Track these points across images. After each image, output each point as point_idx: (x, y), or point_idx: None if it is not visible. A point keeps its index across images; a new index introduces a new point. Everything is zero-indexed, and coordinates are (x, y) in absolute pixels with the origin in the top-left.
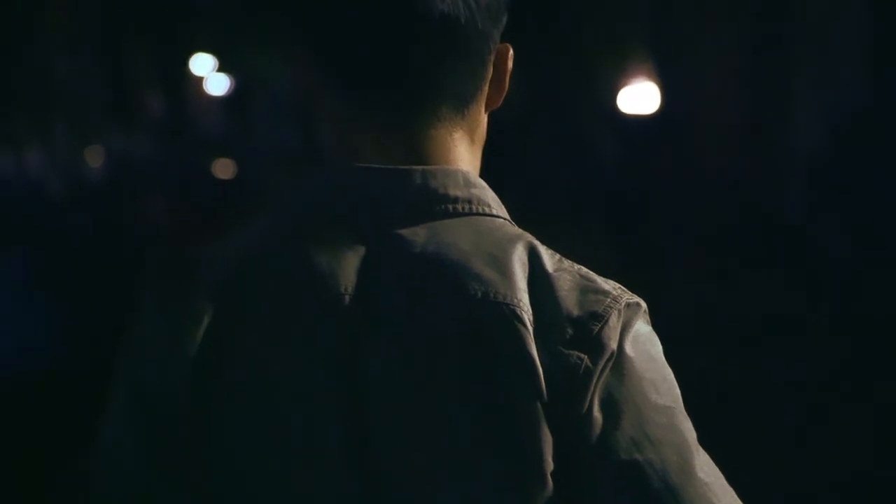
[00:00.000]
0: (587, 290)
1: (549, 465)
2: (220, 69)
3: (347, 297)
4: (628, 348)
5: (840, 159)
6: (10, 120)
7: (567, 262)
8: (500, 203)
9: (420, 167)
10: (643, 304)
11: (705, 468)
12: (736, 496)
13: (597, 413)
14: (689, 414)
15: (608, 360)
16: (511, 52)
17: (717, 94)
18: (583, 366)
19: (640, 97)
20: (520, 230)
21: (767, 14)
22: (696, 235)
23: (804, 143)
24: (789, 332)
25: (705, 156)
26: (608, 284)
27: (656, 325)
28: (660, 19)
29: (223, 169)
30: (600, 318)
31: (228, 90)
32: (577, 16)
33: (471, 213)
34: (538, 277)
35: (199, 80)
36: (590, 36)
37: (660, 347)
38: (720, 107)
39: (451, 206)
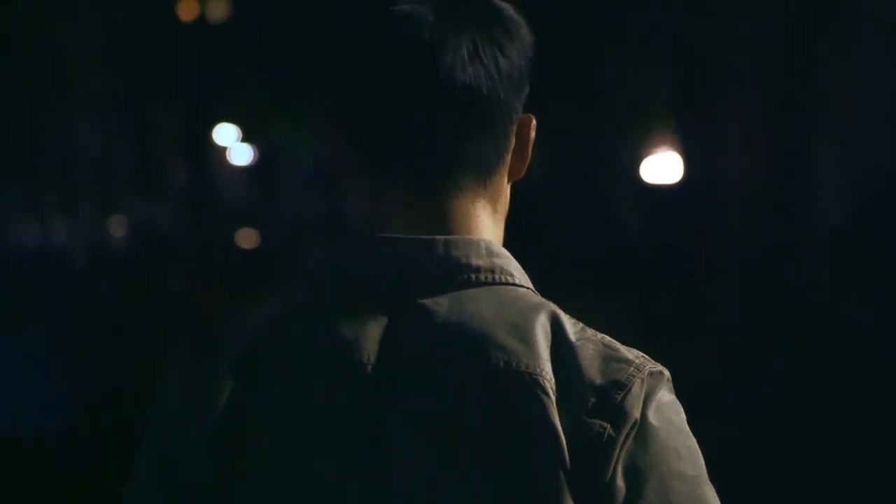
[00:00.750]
0: (610, 358)
1: None
2: (244, 139)
3: (370, 367)
4: (652, 417)
5: (865, 228)
6: (34, 189)
7: (590, 331)
8: (524, 272)
9: (443, 237)
10: (666, 373)
11: None
12: None
13: (620, 482)
14: (712, 482)
15: (631, 428)
16: (534, 122)
17: (740, 163)
18: (606, 434)
19: (663, 167)
20: (542, 299)
21: (791, 84)
22: (719, 303)
23: (828, 212)
24: (806, 403)
25: (729, 225)
26: (631, 353)
27: (680, 394)
28: (683, 90)
29: (246, 238)
30: (623, 386)
31: (252, 160)
32: (601, 86)
33: (493, 283)
34: (561, 346)
35: (223, 150)
36: (613, 106)
37: (683, 416)
38: (743, 176)
39: (473, 276)
